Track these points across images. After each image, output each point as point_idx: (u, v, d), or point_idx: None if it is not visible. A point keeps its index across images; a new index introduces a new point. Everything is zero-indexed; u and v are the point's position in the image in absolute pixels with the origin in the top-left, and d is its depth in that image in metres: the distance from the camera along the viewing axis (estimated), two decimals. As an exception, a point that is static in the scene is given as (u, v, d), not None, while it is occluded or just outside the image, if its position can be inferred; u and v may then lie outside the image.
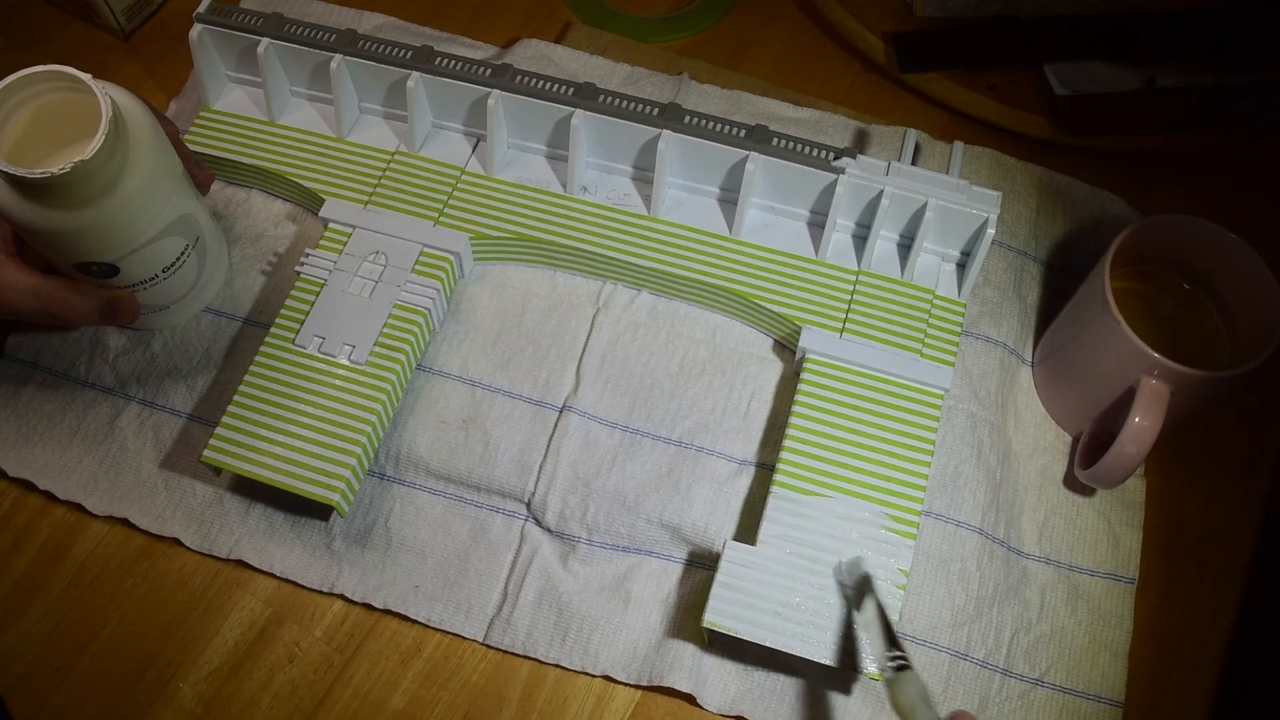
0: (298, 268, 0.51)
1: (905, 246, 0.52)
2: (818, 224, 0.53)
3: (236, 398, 0.48)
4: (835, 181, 0.50)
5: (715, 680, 0.46)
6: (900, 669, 0.38)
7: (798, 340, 0.50)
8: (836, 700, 0.45)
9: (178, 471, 0.50)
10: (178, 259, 0.49)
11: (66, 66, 0.43)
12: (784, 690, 0.46)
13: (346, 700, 0.46)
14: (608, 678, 0.46)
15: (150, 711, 0.46)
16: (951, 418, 0.50)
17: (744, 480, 0.49)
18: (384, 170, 0.54)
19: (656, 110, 0.52)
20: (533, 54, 0.60)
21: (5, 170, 0.41)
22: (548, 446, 0.50)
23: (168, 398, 0.51)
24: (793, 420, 0.48)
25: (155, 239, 0.47)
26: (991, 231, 0.48)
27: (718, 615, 0.43)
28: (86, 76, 0.43)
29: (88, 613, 0.48)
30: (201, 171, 0.53)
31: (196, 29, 0.54)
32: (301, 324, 0.49)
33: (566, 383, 0.51)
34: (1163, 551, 0.50)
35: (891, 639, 0.39)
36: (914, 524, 0.46)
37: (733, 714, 0.45)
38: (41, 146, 0.45)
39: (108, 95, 0.42)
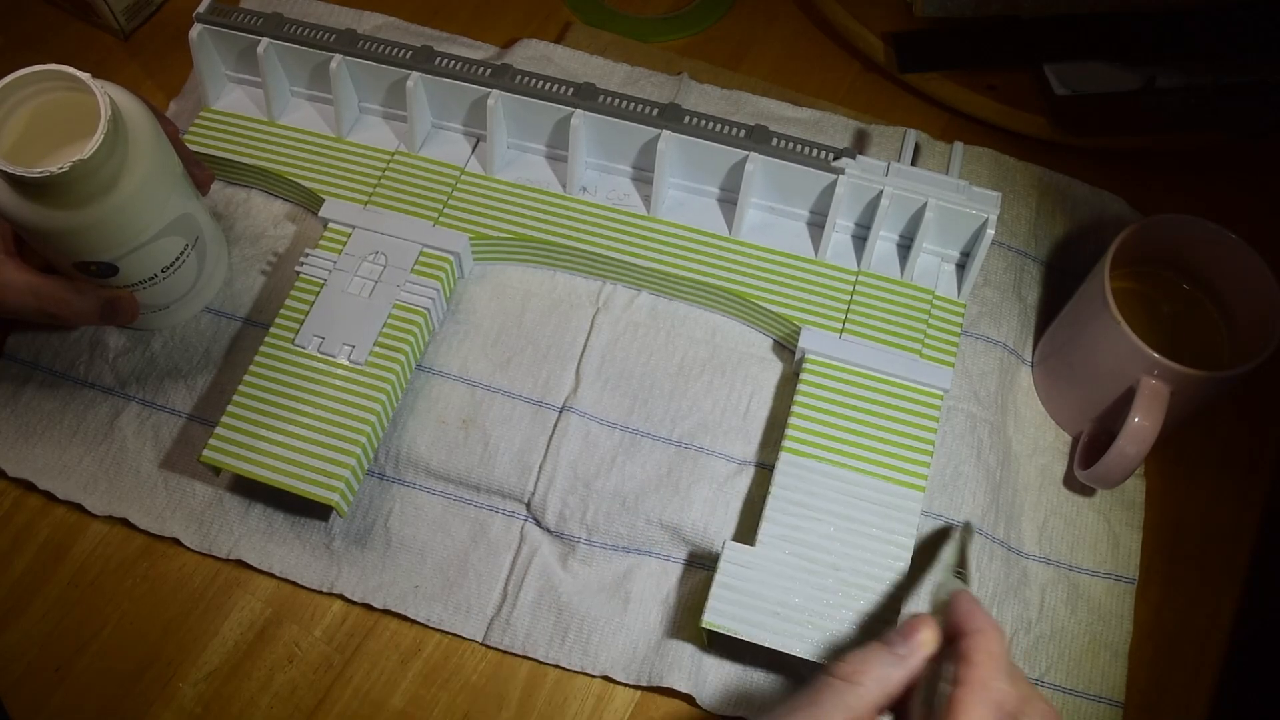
0: (297, 267, 0.51)
1: (905, 247, 0.52)
2: (817, 224, 0.53)
3: (236, 398, 0.48)
4: (835, 182, 0.50)
5: (715, 681, 0.46)
6: (958, 575, 0.41)
7: (797, 340, 0.50)
8: (836, 700, 0.45)
9: (177, 471, 0.50)
10: (177, 258, 0.49)
11: (65, 66, 0.43)
12: (784, 690, 0.46)
13: (346, 700, 0.46)
14: (607, 678, 0.46)
15: (150, 711, 0.46)
16: (951, 418, 0.50)
17: (744, 480, 0.49)
18: (384, 170, 0.54)
19: (656, 110, 0.51)
20: (533, 54, 0.60)
21: (4, 169, 0.41)
22: (547, 447, 0.50)
23: (167, 398, 0.51)
24: (792, 420, 0.48)
25: (155, 238, 0.47)
26: (991, 232, 0.48)
27: (717, 616, 0.43)
28: (85, 76, 0.42)
29: (88, 613, 0.48)
30: (201, 171, 0.53)
31: (196, 29, 0.54)
32: (301, 324, 0.49)
33: (566, 383, 0.51)
34: (1163, 551, 0.50)
35: (963, 561, 0.42)
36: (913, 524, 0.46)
37: (732, 714, 0.45)
38: (41, 145, 0.45)
39: (106, 95, 0.42)
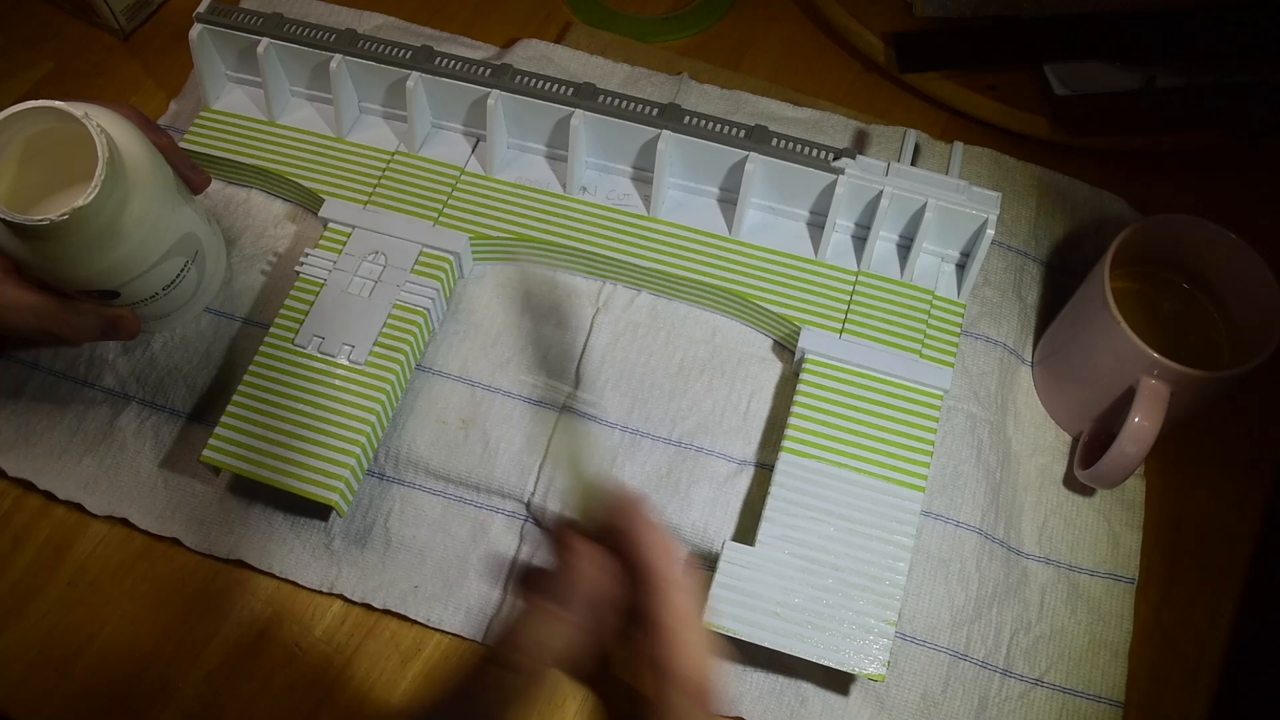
0: (297, 267, 0.51)
1: (905, 247, 0.52)
2: (817, 224, 0.53)
3: (236, 398, 0.48)
4: (835, 182, 0.50)
5: (715, 681, 0.46)
6: (583, 473, 0.35)
7: (797, 340, 0.50)
8: (835, 701, 0.45)
9: (178, 471, 0.50)
10: (178, 276, 0.49)
11: (59, 102, 0.42)
12: (783, 690, 0.46)
13: (346, 700, 0.46)
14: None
15: (150, 711, 0.46)
16: (951, 418, 0.50)
17: (743, 480, 0.49)
18: (384, 170, 0.54)
19: (656, 110, 0.51)
20: (533, 54, 0.60)
21: (3, 218, 0.40)
22: (547, 447, 0.50)
23: (168, 398, 0.51)
24: (792, 420, 0.48)
25: (155, 264, 0.46)
26: (991, 232, 0.48)
27: (717, 616, 0.43)
28: (80, 112, 0.41)
29: (88, 613, 0.48)
30: (197, 175, 0.52)
31: (196, 29, 0.54)
32: (301, 324, 0.49)
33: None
34: (1163, 551, 0.50)
35: (579, 457, 0.35)
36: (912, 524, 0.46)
37: (732, 714, 0.45)
38: (36, 177, 0.44)
39: (103, 133, 0.41)
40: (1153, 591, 0.49)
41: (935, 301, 0.51)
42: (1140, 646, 0.48)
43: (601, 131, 0.52)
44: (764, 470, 0.49)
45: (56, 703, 0.46)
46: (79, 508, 0.49)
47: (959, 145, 0.52)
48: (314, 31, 0.53)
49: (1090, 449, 0.50)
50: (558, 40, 0.62)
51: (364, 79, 0.54)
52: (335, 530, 0.49)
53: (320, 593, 0.48)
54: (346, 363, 0.49)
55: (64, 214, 0.40)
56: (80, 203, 0.40)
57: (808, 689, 0.46)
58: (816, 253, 0.52)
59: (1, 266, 0.45)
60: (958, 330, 0.50)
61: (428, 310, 0.50)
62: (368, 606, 0.48)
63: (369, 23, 0.62)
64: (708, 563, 0.48)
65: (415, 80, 0.52)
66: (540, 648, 0.31)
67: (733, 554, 0.45)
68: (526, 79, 0.52)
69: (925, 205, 0.49)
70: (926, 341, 0.50)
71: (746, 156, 0.50)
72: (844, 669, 0.42)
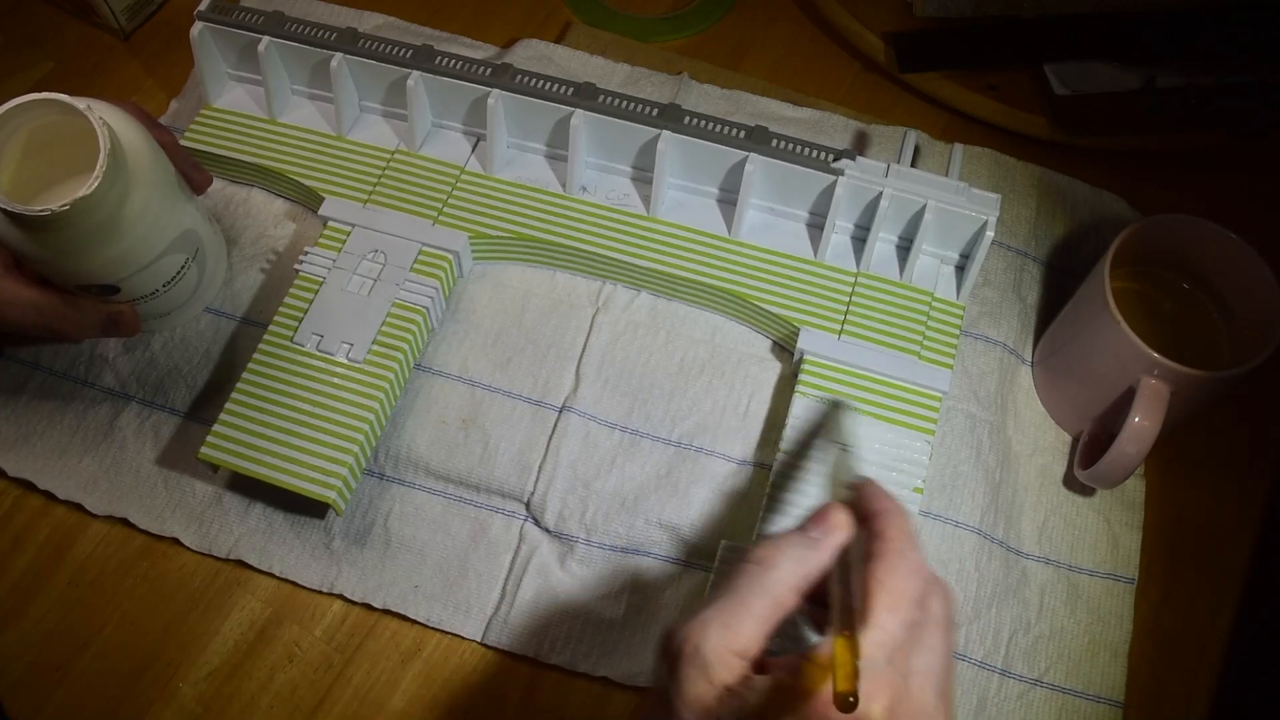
0: (296, 266, 0.51)
1: (904, 248, 0.52)
2: (817, 225, 0.53)
3: (234, 395, 0.48)
4: (834, 183, 0.50)
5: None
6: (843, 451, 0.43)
7: (796, 341, 0.50)
8: (836, 700, 0.45)
9: (177, 471, 0.50)
10: (178, 273, 0.49)
11: (62, 95, 0.42)
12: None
13: (346, 700, 0.46)
14: (605, 679, 0.46)
15: (150, 711, 0.46)
16: (951, 418, 0.50)
17: (743, 480, 0.49)
18: (383, 169, 0.54)
19: (656, 110, 0.51)
20: (533, 54, 0.60)
21: (4, 208, 0.40)
22: (547, 446, 0.50)
23: (167, 397, 0.51)
24: (790, 421, 0.48)
25: (156, 259, 0.46)
26: (990, 234, 0.48)
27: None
28: (83, 105, 0.41)
29: (88, 613, 0.48)
30: (199, 174, 0.52)
31: (198, 27, 0.54)
32: (300, 322, 0.49)
33: (566, 383, 0.51)
34: (1163, 551, 0.50)
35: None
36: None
37: (732, 714, 0.45)
38: (37, 169, 0.44)
39: (105, 125, 0.41)
40: (1153, 591, 0.49)
41: (934, 303, 0.51)
42: (1140, 646, 0.48)
43: (601, 131, 0.52)
44: (763, 470, 0.49)
45: (56, 703, 0.46)
46: (79, 508, 0.49)
47: (959, 147, 0.52)
48: (315, 30, 0.54)
49: (1090, 449, 0.50)
50: (558, 40, 0.62)
51: (364, 78, 0.54)
52: (335, 530, 0.49)
53: (320, 593, 0.48)
54: (345, 361, 0.49)
55: (65, 205, 0.40)
56: (82, 193, 0.40)
57: (807, 689, 0.46)
58: (816, 254, 0.52)
59: (1, 262, 0.45)
60: (957, 332, 0.50)
61: (427, 309, 0.50)
62: (368, 606, 0.48)
63: (369, 22, 0.62)
64: (707, 563, 0.48)
65: (416, 79, 0.52)
66: (794, 558, 0.34)
67: (730, 555, 0.45)
68: (526, 79, 0.52)
69: (925, 207, 0.49)
70: (925, 343, 0.50)
71: (746, 157, 0.50)
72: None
